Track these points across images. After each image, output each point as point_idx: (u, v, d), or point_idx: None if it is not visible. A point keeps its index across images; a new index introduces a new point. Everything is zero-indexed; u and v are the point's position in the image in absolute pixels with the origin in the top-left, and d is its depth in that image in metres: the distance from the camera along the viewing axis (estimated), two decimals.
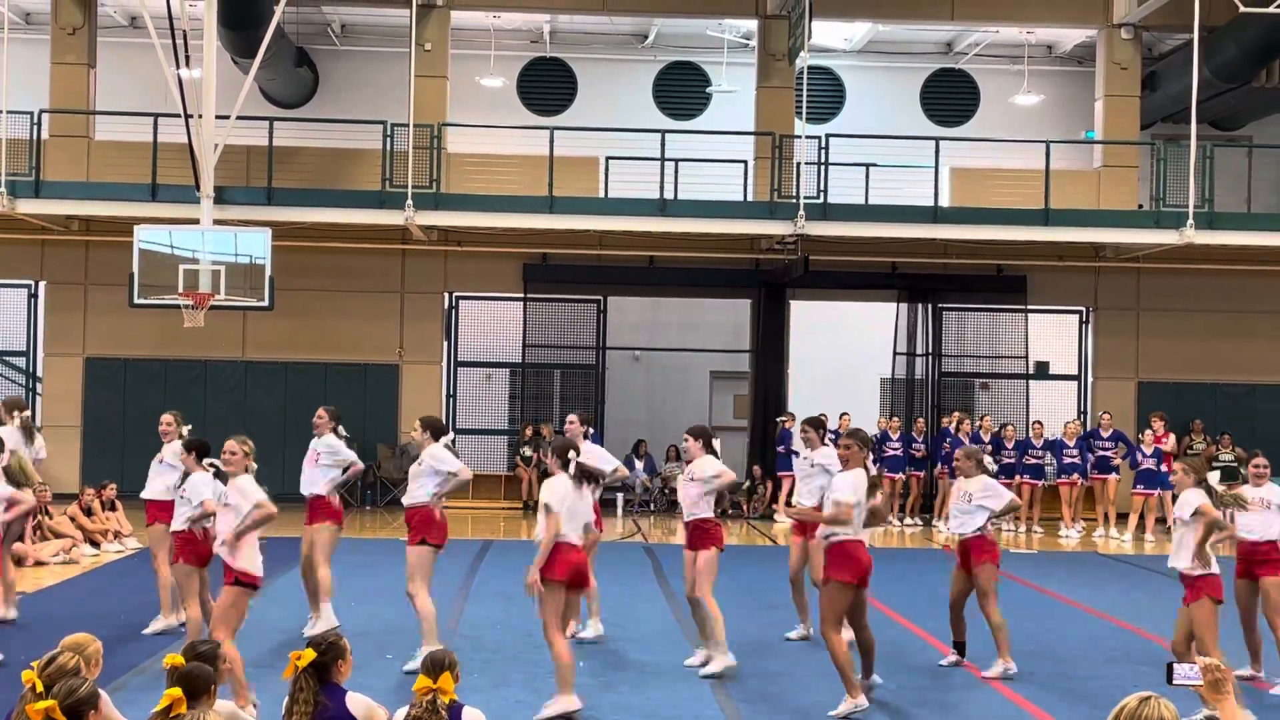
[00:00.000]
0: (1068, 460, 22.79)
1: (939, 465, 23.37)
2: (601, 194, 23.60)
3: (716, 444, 11.53)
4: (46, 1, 24.18)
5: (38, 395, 24.71)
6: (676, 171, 22.95)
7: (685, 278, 25.42)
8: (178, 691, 5.93)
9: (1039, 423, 23.46)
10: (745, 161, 23.71)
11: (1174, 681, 4.77)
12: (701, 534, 11.33)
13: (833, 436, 14.27)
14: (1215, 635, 9.97)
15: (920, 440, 23.93)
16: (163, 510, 12.12)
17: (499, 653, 11.70)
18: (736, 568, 15.90)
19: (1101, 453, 22.60)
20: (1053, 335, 26.00)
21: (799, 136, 22.94)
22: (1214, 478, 10.40)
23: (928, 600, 14.44)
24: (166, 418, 12.76)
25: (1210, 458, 23.29)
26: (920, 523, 23.46)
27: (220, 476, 10.95)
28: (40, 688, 6.05)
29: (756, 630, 12.99)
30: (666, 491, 24.05)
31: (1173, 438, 22.73)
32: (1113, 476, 22.51)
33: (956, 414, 23.76)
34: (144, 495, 12.74)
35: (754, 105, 24.72)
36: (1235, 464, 11.36)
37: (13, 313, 25.01)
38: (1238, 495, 10.89)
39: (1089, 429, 23.55)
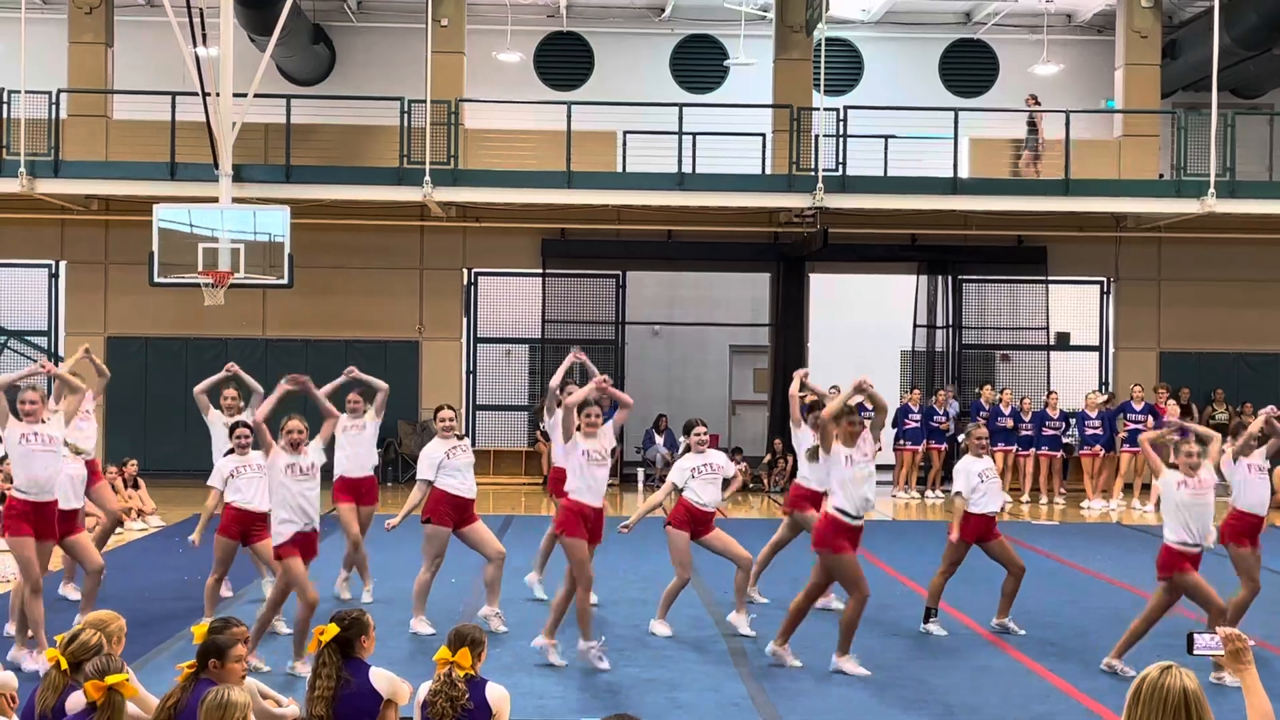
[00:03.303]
0: (1090, 431, 22.72)
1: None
2: (619, 168, 23.57)
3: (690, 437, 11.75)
4: None
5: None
6: (694, 145, 22.90)
7: (704, 252, 25.38)
8: (188, 666, 6.06)
9: (1054, 393, 23.40)
10: (763, 134, 23.65)
11: (1195, 651, 4.77)
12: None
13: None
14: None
15: (941, 413, 23.87)
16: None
17: (521, 628, 11.73)
18: (757, 540, 15.90)
19: (1133, 425, 22.44)
20: (1073, 306, 25.90)
21: (817, 109, 22.87)
22: None
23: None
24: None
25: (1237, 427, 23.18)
26: (943, 495, 23.42)
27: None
28: (65, 665, 6.11)
29: (775, 600, 13.01)
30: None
31: (1178, 408, 22.69)
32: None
33: (986, 388, 23.74)
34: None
35: (771, 78, 24.62)
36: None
37: (34, 293, 25.11)
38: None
39: (1123, 402, 23.34)
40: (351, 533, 13.01)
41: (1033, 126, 23.99)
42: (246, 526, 11.32)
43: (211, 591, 11.53)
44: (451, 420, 11.83)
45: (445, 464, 11.59)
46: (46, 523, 10.38)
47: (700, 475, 11.51)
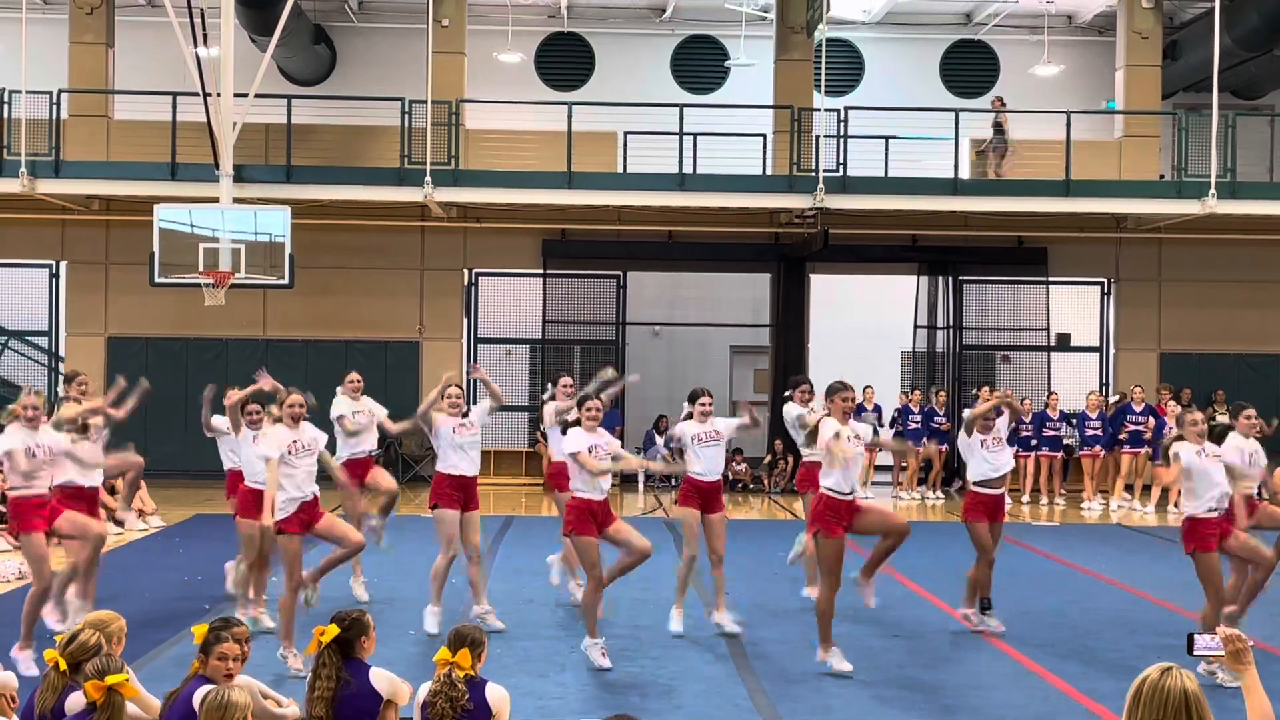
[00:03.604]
0: (1090, 432, 22.71)
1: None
2: (620, 169, 23.57)
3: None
4: None
5: (60, 375, 24.81)
6: (695, 146, 22.90)
7: (704, 252, 25.39)
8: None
9: (1054, 394, 23.41)
10: (764, 135, 23.65)
11: (1195, 652, 4.77)
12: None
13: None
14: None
15: (942, 414, 23.87)
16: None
17: (521, 628, 11.75)
18: (758, 541, 15.93)
19: (1134, 427, 22.42)
20: (1074, 307, 25.90)
21: (818, 109, 22.87)
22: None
23: (949, 573, 14.45)
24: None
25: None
26: (943, 496, 23.43)
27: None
28: (64, 666, 6.11)
29: (776, 600, 13.03)
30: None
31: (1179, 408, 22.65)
32: (1144, 450, 22.37)
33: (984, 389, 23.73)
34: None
35: (772, 78, 24.62)
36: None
37: (34, 293, 25.12)
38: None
39: (1123, 403, 23.31)
40: (356, 514, 13.02)
41: (999, 128, 23.97)
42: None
43: (245, 579, 11.52)
44: (459, 397, 11.90)
45: (451, 439, 11.65)
46: (52, 513, 10.47)
47: (702, 442, 11.60)
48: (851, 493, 10.39)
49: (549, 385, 13.19)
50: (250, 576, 11.62)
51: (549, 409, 12.80)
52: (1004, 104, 24.13)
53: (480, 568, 11.88)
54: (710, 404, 11.75)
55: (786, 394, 13.08)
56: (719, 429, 11.72)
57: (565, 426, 10.67)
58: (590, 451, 10.36)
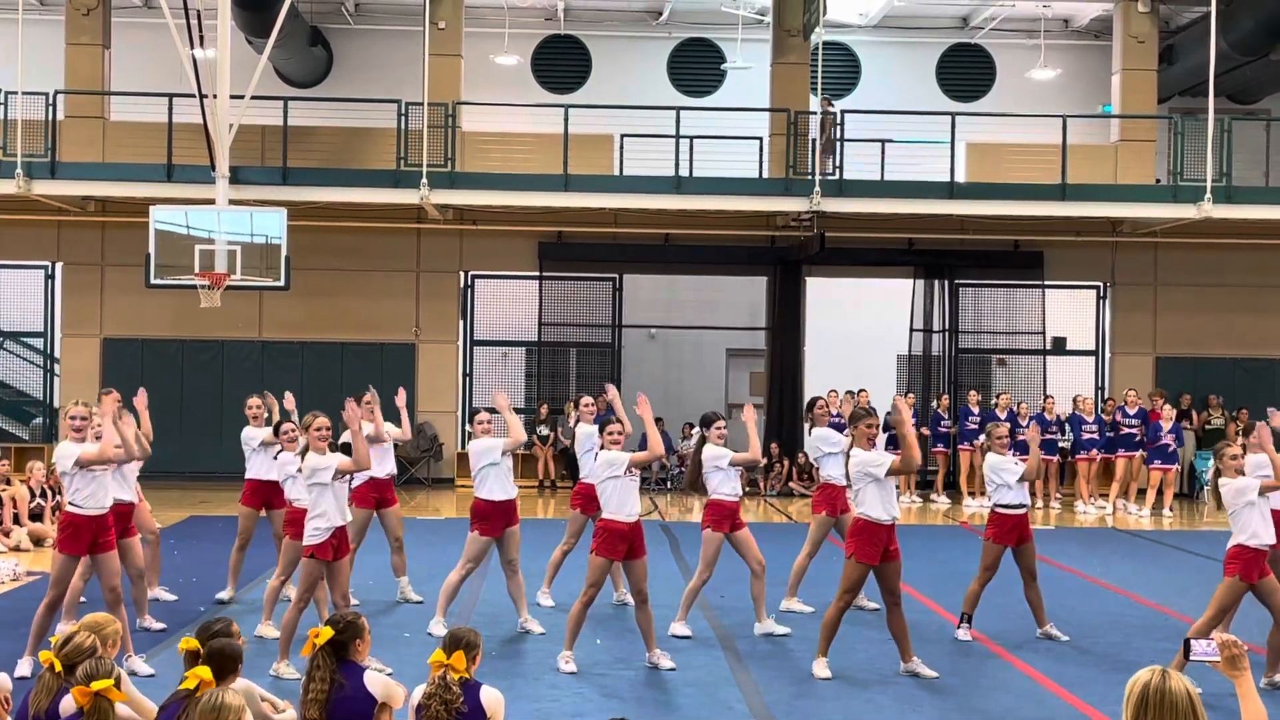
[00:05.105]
0: (1086, 436, 22.72)
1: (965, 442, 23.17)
2: (616, 172, 23.56)
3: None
4: None
5: (55, 376, 24.80)
6: (691, 149, 22.90)
7: (701, 255, 25.38)
8: (207, 672, 5.94)
9: (1050, 398, 23.41)
10: (760, 138, 23.65)
11: (1192, 657, 4.78)
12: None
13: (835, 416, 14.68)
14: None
15: (946, 416, 23.86)
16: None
17: (515, 630, 11.74)
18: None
19: (1127, 430, 22.42)
20: (1070, 311, 25.91)
21: (814, 112, 22.87)
22: None
23: (948, 577, 14.46)
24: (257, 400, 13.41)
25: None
26: (947, 499, 23.36)
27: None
28: (59, 668, 6.10)
29: (770, 604, 13.00)
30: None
31: (1175, 412, 22.65)
32: (1138, 454, 22.36)
33: (973, 394, 23.72)
34: None
35: (769, 81, 24.63)
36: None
37: (30, 294, 25.09)
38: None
39: (1117, 407, 23.28)
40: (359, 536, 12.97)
41: (824, 127, 23.83)
42: None
43: (274, 594, 11.48)
44: (490, 424, 11.91)
45: (497, 462, 11.63)
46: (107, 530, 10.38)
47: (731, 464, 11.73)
48: (892, 520, 10.35)
49: (570, 409, 13.27)
50: (278, 592, 11.54)
51: (580, 431, 12.91)
52: (831, 102, 24.03)
53: (519, 580, 11.81)
54: (724, 426, 11.87)
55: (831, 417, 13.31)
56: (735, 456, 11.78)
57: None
58: (626, 470, 10.37)
